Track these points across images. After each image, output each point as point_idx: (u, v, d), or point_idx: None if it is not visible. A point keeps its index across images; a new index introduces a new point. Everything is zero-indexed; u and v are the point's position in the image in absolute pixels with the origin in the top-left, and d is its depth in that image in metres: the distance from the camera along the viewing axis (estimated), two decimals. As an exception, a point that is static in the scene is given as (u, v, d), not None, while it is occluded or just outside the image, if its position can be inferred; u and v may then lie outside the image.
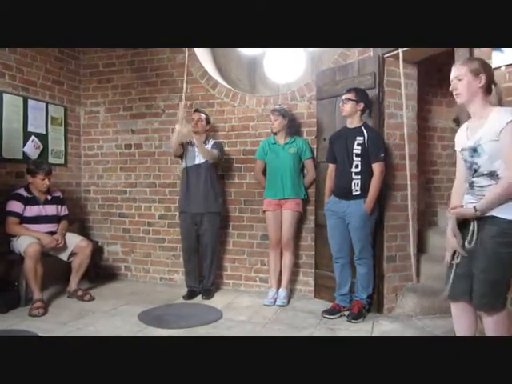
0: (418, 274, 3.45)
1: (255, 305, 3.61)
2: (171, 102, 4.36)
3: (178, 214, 4.05)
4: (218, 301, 3.73)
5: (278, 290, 3.67)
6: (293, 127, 3.76)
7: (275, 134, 3.75)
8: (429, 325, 3.05)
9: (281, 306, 3.55)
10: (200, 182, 3.75)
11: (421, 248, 3.66)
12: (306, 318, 3.25)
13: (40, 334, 2.86)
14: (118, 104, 4.58)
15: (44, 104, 4.26)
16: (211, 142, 3.88)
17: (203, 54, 4.38)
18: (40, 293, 3.45)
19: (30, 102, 4.10)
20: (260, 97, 4.15)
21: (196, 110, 3.87)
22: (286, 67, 4.45)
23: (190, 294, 3.81)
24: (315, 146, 3.81)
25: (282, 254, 3.71)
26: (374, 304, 3.31)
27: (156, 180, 4.44)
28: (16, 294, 3.50)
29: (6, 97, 3.85)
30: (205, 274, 3.86)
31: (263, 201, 3.78)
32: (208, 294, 3.81)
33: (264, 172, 3.85)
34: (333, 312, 3.26)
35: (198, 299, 3.78)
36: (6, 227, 3.52)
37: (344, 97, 3.21)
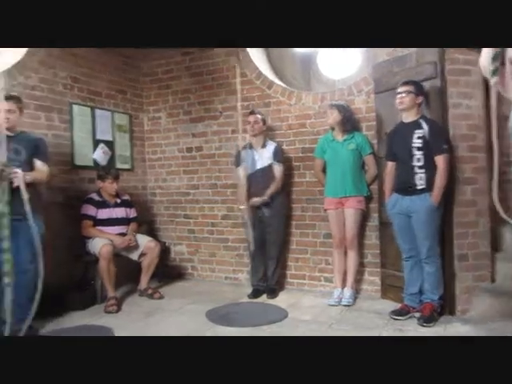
0: (493, 274, 3.26)
1: (320, 304, 3.59)
2: (228, 103, 4.43)
3: (240, 214, 4.10)
4: (282, 300, 3.75)
5: (343, 289, 3.62)
6: (351, 123, 3.67)
7: (332, 129, 3.70)
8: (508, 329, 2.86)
9: (346, 305, 3.50)
10: (264, 186, 3.75)
11: (495, 246, 3.46)
12: (373, 319, 3.18)
13: (114, 330, 3.03)
14: (178, 109, 4.73)
15: (110, 113, 4.48)
16: (270, 144, 3.88)
17: (257, 55, 4.41)
18: (114, 291, 3.64)
19: (97, 112, 4.33)
20: (316, 94, 4.11)
21: (251, 112, 3.88)
22: (341, 62, 4.38)
23: (255, 293, 3.85)
24: (375, 141, 3.72)
25: (346, 252, 3.66)
26: (446, 305, 3.16)
27: (217, 181, 4.54)
28: (92, 292, 3.72)
29: (75, 108, 4.10)
30: (269, 273, 3.90)
31: (324, 199, 3.75)
32: (272, 293, 3.84)
33: (324, 170, 3.81)
34: (401, 313, 3.15)
35: (263, 298, 3.82)
36: (81, 230, 3.75)
37: (402, 89, 3.10)
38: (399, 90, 3.13)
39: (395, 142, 3.21)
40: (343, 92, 3.93)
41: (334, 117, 3.60)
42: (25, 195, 2.49)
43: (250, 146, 3.85)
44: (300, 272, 4.13)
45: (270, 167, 3.80)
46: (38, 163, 2.97)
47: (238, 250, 4.41)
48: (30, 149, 2.94)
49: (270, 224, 3.80)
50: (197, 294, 4.03)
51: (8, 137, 2.79)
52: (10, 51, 3.57)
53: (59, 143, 3.92)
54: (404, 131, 3.13)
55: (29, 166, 2.93)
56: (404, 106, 3.11)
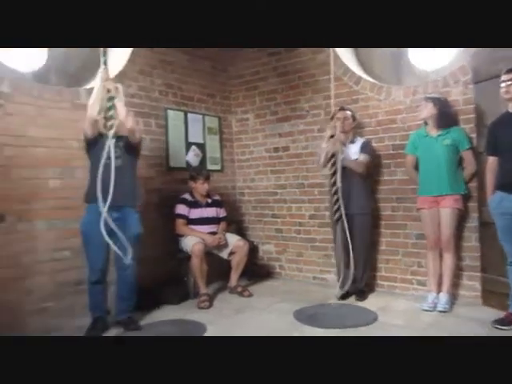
0: None
1: (412, 309, 3.41)
2: (314, 102, 4.40)
3: (327, 213, 4.05)
4: (371, 303, 3.63)
5: (438, 294, 3.41)
6: (447, 117, 3.44)
7: (426, 124, 3.50)
8: None
9: (442, 311, 3.28)
10: (352, 182, 3.67)
11: None
12: (473, 327, 2.94)
13: (206, 325, 3.15)
14: (264, 109, 4.80)
15: (201, 116, 4.68)
16: (359, 140, 3.79)
17: (344, 51, 4.31)
18: (205, 288, 3.79)
19: (190, 116, 4.55)
20: (407, 87, 3.91)
21: (341, 109, 3.81)
22: (434, 52, 4.10)
23: (343, 295, 3.77)
24: (474, 135, 3.44)
25: (441, 255, 3.43)
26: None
27: (304, 181, 4.52)
28: (185, 288, 3.91)
29: (170, 113, 4.34)
30: (358, 274, 3.79)
31: (417, 198, 3.55)
32: (361, 295, 3.74)
33: (416, 167, 3.61)
34: (505, 322, 2.87)
35: (351, 300, 3.73)
36: (175, 228, 3.96)
37: (508, 77, 2.83)
38: (503, 77, 2.86)
39: (500, 135, 2.93)
40: (437, 84, 3.70)
41: (428, 110, 3.40)
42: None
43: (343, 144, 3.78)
44: (391, 274, 3.96)
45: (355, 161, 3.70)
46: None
47: (326, 251, 4.35)
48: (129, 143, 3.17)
49: (355, 224, 3.70)
50: (285, 293, 4.05)
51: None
52: (114, 62, 3.89)
53: (155, 147, 4.18)
54: (510, 122, 2.86)
55: (133, 160, 3.17)
56: (510, 96, 2.85)
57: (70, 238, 3.35)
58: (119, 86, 3.04)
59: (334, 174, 3.65)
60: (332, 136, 3.63)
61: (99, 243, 2.97)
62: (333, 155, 3.63)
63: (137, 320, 3.20)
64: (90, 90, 3.53)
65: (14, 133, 3.14)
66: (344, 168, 3.63)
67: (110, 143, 2.85)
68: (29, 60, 3.44)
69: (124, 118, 3.00)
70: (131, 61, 3.99)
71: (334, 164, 3.65)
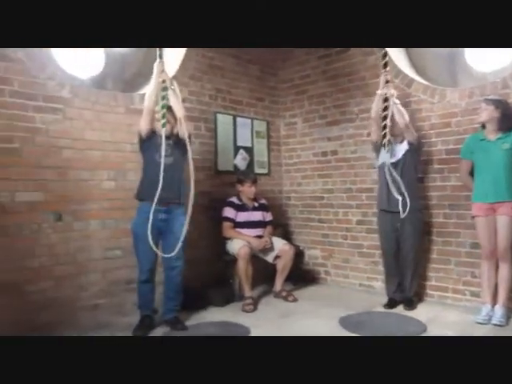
0: None
1: (465, 321, 3.26)
2: (364, 105, 4.31)
3: (376, 219, 3.96)
4: (420, 313, 3.50)
5: (493, 306, 3.23)
6: (508, 120, 3.26)
7: (483, 127, 3.34)
8: None
9: (497, 325, 3.11)
10: (404, 180, 3.55)
11: None
12: (531, 342, 2.77)
13: (251, 329, 3.16)
14: (313, 113, 4.77)
15: (249, 120, 4.73)
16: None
17: (396, 53, 4.20)
18: (250, 291, 3.81)
19: (238, 119, 4.60)
20: (463, 90, 3.75)
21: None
22: (493, 52, 3.90)
23: (391, 303, 3.67)
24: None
25: (497, 265, 3.25)
26: None
27: (352, 185, 4.45)
28: (231, 290, 3.95)
29: (219, 117, 4.41)
30: (406, 283, 3.67)
31: (472, 205, 3.39)
32: (410, 304, 3.61)
33: (471, 173, 3.45)
34: None
35: (399, 309, 3.62)
36: (222, 231, 4.02)
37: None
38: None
39: None
40: (496, 85, 3.52)
41: (488, 113, 3.24)
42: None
43: (389, 142, 3.69)
44: (442, 284, 3.80)
45: (403, 157, 3.60)
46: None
47: (373, 257, 4.25)
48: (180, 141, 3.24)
49: (404, 230, 3.59)
50: (330, 299, 4.00)
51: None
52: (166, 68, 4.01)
53: (205, 150, 4.27)
54: None
55: (183, 159, 3.23)
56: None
57: (121, 237, 3.50)
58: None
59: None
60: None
61: (149, 244, 3.07)
62: (386, 99, 3.56)
63: (183, 320, 3.27)
64: (144, 96, 3.67)
65: (72, 136, 3.32)
66: (395, 165, 3.57)
67: (162, 141, 2.97)
68: (87, 67, 3.63)
69: (177, 107, 3.13)
70: (182, 66, 4.10)
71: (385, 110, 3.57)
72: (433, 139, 3.86)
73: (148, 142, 3.17)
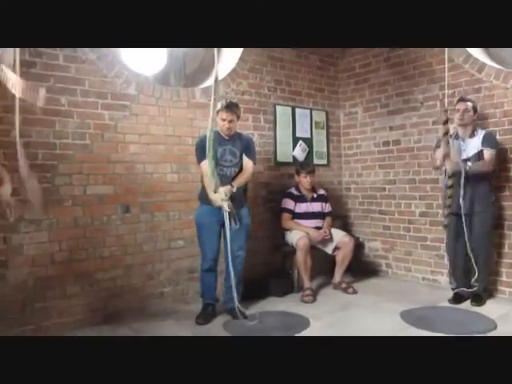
0: None
1: (539, 320, 3.07)
2: (430, 93, 4.14)
3: (441, 211, 3.80)
4: (490, 309, 3.34)
5: None
6: None
7: None
8: None
9: None
10: (473, 180, 3.37)
11: None
12: None
13: (310, 319, 3.18)
14: (374, 102, 4.64)
15: (308, 110, 4.69)
16: (480, 133, 3.47)
17: (467, 36, 3.97)
18: (310, 282, 3.82)
19: (297, 111, 4.58)
20: (540, 73, 3.49)
21: (461, 100, 3.51)
22: None
23: (457, 298, 3.52)
24: None
25: None
26: None
27: (416, 176, 4.29)
28: (290, 281, 3.98)
29: (278, 108, 4.42)
30: (475, 277, 3.49)
31: (549, 197, 3.17)
32: (478, 300, 3.45)
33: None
34: None
35: (466, 305, 3.47)
36: (281, 222, 4.05)
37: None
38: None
39: None
40: None
41: None
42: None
43: (456, 136, 3.51)
44: (514, 280, 3.60)
45: (476, 156, 3.40)
46: (245, 159, 3.31)
47: (438, 251, 4.09)
48: (242, 148, 3.31)
49: (475, 223, 3.41)
50: (391, 293, 3.91)
51: (225, 140, 3.23)
52: (226, 61, 4.08)
53: (264, 142, 4.30)
54: None
55: (241, 164, 3.30)
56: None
57: (184, 228, 3.63)
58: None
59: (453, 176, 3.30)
60: (446, 134, 3.16)
61: (212, 233, 3.19)
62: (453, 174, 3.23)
63: (244, 310, 3.34)
64: (205, 90, 3.78)
65: (138, 131, 3.48)
66: (463, 161, 3.37)
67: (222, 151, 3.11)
68: (151, 64, 3.76)
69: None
70: (242, 59, 4.14)
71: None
72: (506, 126, 3.63)
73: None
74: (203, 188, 3.28)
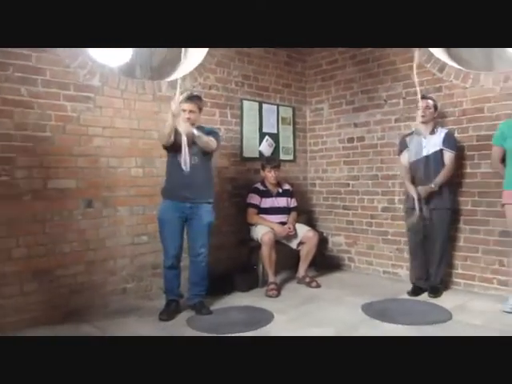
0: None
1: (492, 310, 3.21)
2: (394, 91, 4.24)
3: (402, 206, 3.92)
4: (446, 300, 3.47)
5: (521, 296, 3.18)
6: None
7: (517, 114, 3.23)
8: None
9: (525, 315, 3.07)
10: (430, 174, 3.54)
11: None
12: (559, 334, 2.72)
13: (274, 314, 3.22)
14: (340, 99, 4.71)
15: (275, 106, 4.71)
16: (440, 131, 3.60)
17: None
18: (274, 276, 3.86)
19: (264, 106, 4.60)
20: (498, 73, 3.62)
21: (422, 97, 3.60)
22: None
23: (415, 291, 3.65)
24: None
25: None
26: None
27: (378, 172, 4.40)
28: (255, 276, 4.01)
29: (245, 103, 4.42)
30: (432, 270, 3.64)
31: (502, 192, 3.31)
32: (435, 292, 3.58)
33: (503, 160, 3.36)
34: None
35: (424, 297, 3.59)
36: (247, 217, 4.06)
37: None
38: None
39: None
40: (533, 69, 3.39)
41: None
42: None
43: (418, 133, 3.62)
44: (468, 272, 3.75)
45: (437, 154, 3.54)
46: (211, 137, 3.27)
47: (398, 244, 4.22)
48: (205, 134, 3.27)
49: (433, 218, 3.54)
50: (353, 286, 4.01)
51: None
52: (193, 55, 4.04)
53: (231, 137, 4.29)
54: None
55: (204, 156, 3.28)
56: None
57: (148, 223, 3.60)
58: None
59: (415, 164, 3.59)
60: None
61: (174, 230, 3.17)
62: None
63: (208, 305, 3.35)
64: (171, 83, 3.73)
65: (102, 124, 3.40)
66: (426, 158, 3.56)
67: (185, 144, 3.05)
68: (116, 55, 3.69)
69: (206, 146, 3.19)
70: (209, 53, 4.11)
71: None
72: (464, 125, 3.77)
73: (171, 146, 3.17)
74: (167, 182, 3.26)
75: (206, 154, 3.26)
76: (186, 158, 3.06)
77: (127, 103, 3.55)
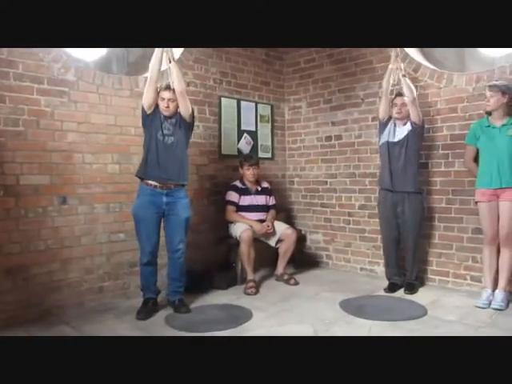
0: None
1: (465, 305, 3.29)
2: (371, 90, 4.29)
3: (377, 204, 3.98)
4: (421, 296, 3.54)
5: (493, 291, 3.26)
6: (513, 106, 3.25)
7: (489, 114, 3.32)
8: None
9: (497, 309, 3.15)
10: (400, 158, 3.61)
11: None
12: (530, 327, 2.81)
13: (253, 311, 3.21)
14: (318, 98, 4.74)
15: (254, 104, 4.71)
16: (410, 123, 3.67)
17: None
18: (253, 274, 3.86)
19: (243, 103, 4.59)
20: (471, 74, 3.71)
21: (398, 94, 3.68)
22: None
23: (392, 287, 3.71)
24: (542, 126, 3.23)
25: (499, 250, 3.28)
26: None
27: (356, 170, 4.45)
28: (234, 273, 3.99)
29: (223, 100, 4.40)
30: (407, 267, 3.71)
31: (475, 191, 3.40)
32: (411, 288, 3.65)
33: (476, 159, 3.45)
34: None
35: (400, 293, 3.65)
36: (225, 214, 4.05)
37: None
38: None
39: None
40: (504, 70, 3.48)
41: (495, 100, 3.21)
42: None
43: (395, 124, 3.70)
44: (443, 268, 3.84)
45: (404, 138, 3.61)
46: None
47: (375, 242, 4.28)
48: (180, 121, 3.23)
49: (405, 214, 3.62)
50: (331, 283, 4.04)
51: (166, 117, 3.18)
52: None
53: (209, 134, 4.27)
54: None
55: (185, 138, 3.26)
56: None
57: (125, 221, 3.54)
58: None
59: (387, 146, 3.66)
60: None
61: (150, 226, 3.13)
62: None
63: (187, 303, 3.31)
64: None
65: (77, 119, 3.33)
66: (398, 145, 3.61)
67: (165, 119, 3.07)
68: (92, 50, 3.61)
69: (176, 81, 3.12)
70: (188, 49, 4.07)
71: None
72: (438, 124, 3.85)
73: (151, 118, 3.16)
74: (143, 160, 3.20)
75: (184, 131, 3.23)
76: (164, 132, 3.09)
77: (103, 98, 3.49)
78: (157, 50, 3.10)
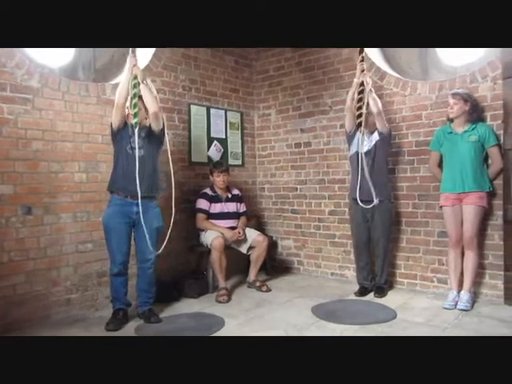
0: None
1: (433, 307, 3.38)
2: (338, 98, 4.37)
3: (347, 209, 4.04)
4: (391, 300, 3.61)
5: (459, 292, 3.36)
6: (474, 113, 3.37)
7: (451, 121, 3.44)
8: None
9: (463, 310, 3.24)
10: (373, 166, 3.65)
11: None
12: (495, 327, 2.89)
13: (225, 319, 3.19)
14: (287, 105, 4.79)
15: (223, 111, 4.71)
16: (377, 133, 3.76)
17: (370, 46, 4.25)
18: (224, 282, 3.84)
19: (212, 111, 4.58)
20: (434, 83, 3.84)
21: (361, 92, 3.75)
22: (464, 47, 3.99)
23: (362, 291, 3.76)
24: (501, 132, 3.36)
25: (463, 253, 3.38)
26: None
27: (325, 177, 4.51)
28: (205, 281, 3.96)
29: (193, 108, 4.38)
30: (377, 271, 3.77)
31: (440, 195, 3.51)
32: (381, 292, 3.71)
33: (440, 164, 3.56)
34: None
35: (370, 297, 3.71)
36: (196, 222, 4.01)
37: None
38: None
39: None
40: (465, 79, 3.61)
41: (458, 107, 3.33)
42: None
43: (363, 133, 3.76)
44: (411, 271, 3.92)
45: (373, 147, 3.67)
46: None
47: (345, 247, 4.34)
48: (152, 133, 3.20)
49: (375, 220, 3.69)
50: (303, 289, 4.06)
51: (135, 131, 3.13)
52: (139, 57, 3.94)
53: (178, 141, 4.24)
54: None
55: (155, 151, 3.23)
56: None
57: (93, 230, 3.46)
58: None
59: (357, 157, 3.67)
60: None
61: (120, 236, 3.07)
62: (361, 89, 3.63)
63: (157, 313, 3.26)
64: (116, 85, 3.61)
65: (42, 127, 3.24)
66: (367, 155, 3.65)
67: (134, 133, 3.00)
68: (57, 55, 3.53)
69: (150, 102, 3.10)
70: (156, 56, 4.04)
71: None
72: (403, 131, 3.95)
73: (120, 134, 3.13)
74: (113, 174, 3.16)
75: (154, 144, 3.19)
76: (134, 146, 3.00)
77: (69, 106, 3.41)
78: (125, 73, 3.07)
